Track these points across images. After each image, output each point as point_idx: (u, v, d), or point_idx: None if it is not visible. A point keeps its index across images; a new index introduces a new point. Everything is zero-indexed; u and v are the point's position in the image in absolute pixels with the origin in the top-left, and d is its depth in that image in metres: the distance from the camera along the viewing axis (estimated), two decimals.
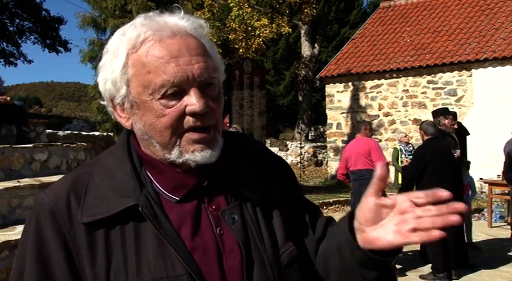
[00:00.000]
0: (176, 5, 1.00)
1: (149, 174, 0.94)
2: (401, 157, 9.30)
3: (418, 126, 5.96)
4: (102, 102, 0.98)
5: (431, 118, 6.28)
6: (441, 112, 6.06)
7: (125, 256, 0.87)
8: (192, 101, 0.87)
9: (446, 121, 5.84)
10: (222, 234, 0.92)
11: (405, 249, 6.55)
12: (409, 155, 8.94)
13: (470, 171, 7.05)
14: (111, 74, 0.91)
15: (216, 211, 0.93)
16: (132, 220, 0.88)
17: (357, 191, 5.71)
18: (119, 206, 0.88)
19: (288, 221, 0.99)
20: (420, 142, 6.00)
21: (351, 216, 0.89)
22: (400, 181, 9.72)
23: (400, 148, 9.55)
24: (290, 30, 17.90)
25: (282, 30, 16.92)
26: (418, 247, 5.93)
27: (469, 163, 7.07)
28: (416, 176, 5.50)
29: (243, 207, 0.95)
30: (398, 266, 5.75)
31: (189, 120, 0.88)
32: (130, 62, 0.89)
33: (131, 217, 0.88)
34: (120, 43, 0.91)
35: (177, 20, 0.92)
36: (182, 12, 0.94)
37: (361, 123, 6.23)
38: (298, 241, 0.99)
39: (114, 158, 0.96)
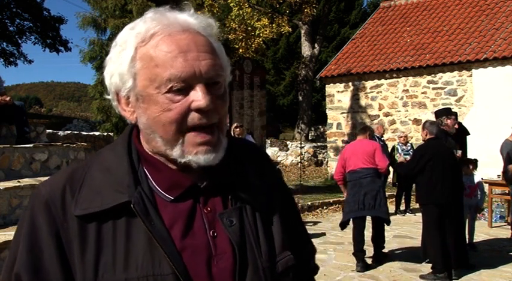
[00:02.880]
0: (186, 2, 1.01)
1: (146, 171, 0.94)
2: (396, 156, 9.40)
3: (421, 126, 5.98)
4: (108, 97, 0.97)
5: (431, 118, 6.27)
6: (444, 112, 6.04)
7: (114, 251, 0.87)
8: (198, 96, 0.87)
9: (449, 121, 5.83)
10: (215, 236, 0.91)
11: (402, 246, 6.57)
12: (405, 154, 9.00)
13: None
14: (118, 66, 0.91)
15: (211, 213, 0.92)
16: (125, 216, 0.88)
17: (362, 189, 5.67)
18: (112, 201, 0.88)
19: (287, 231, 1.00)
20: (420, 142, 6.02)
21: None
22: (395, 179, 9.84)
23: (397, 147, 9.65)
24: (290, 29, 17.89)
25: (282, 30, 16.92)
26: (419, 245, 5.93)
27: (476, 161, 7.01)
28: (412, 174, 5.56)
29: (242, 211, 0.94)
30: (398, 266, 5.75)
31: (194, 117, 0.88)
32: (139, 56, 0.90)
33: (124, 213, 0.88)
34: (129, 37, 0.91)
35: (187, 17, 0.93)
36: (192, 10, 0.95)
37: (367, 127, 6.60)
38: (294, 252, 0.99)
39: (113, 153, 0.96)
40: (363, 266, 5.63)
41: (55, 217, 0.88)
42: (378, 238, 5.93)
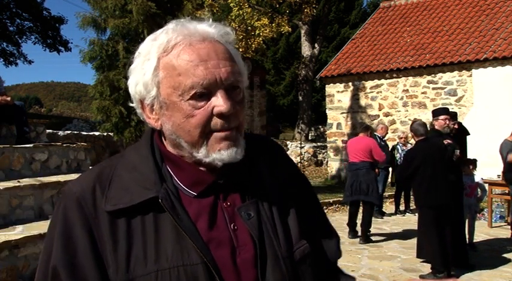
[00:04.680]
0: (205, 13, 1.04)
1: (170, 170, 1.00)
2: (396, 156, 9.42)
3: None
4: (131, 105, 1.03)
5: (431, 118, 6.24)
6: (436, 113, 5.99)
7: (144, 244, 0.93)
8: (219, 102, 0.93)
9: (436, 123, 5.79)
10: (236, 229, 0.97)
11: (401, 246, 6.56)
12: (404, 154, 9.02)
13: None
14: (142, 76, 0.97)
15: (231, 208, 0.99)
16: (153, 211, 0.94)
17: (359, 178, 7.09)
18: (140, 197, 0.94)
19: (303, 221, 1.06)
20: None
21: None
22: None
23: (397, 147, 9.65)
24: (290, 29, 17.88)
25: (282, 30, 16.92)
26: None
27: (475, 161, 7.02)
28: (406, 177, 5.71)
29: (259, 205, 1.01)
30: (398, 266, 5.76)
31: (216, 123, 0.94)
32: (161, 65, 0.95)
33: (151, 208, 0.94)
34: (152, 48, 0.96)
35: (206, 27, 0.98)
36: (210, 20, 1.01)
37: (368, 126, 7.92)
38: (310, 240, 1.05)
39: (138, 153, 1.02)
40: (354, 235, 7.25)
41: (87, 213, 0.94)
42: (366, 223, 7.20)
